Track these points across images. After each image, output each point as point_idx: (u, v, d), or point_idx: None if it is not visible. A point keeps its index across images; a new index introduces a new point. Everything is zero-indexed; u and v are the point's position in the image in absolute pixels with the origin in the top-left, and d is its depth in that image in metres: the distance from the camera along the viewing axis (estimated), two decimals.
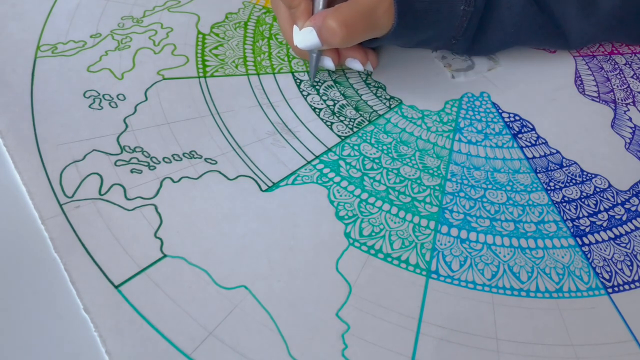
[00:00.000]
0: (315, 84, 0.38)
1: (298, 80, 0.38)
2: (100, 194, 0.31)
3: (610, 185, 0.34)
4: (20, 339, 0.26)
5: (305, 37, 0.33)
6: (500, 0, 0.35)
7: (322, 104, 0.37)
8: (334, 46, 0.34)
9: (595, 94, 0.40)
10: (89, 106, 0.35)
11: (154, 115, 0.35)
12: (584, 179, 0.35)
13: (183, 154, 0.33)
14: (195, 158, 0.33)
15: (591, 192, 0.34)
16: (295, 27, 0.34)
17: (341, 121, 0.36)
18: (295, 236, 0.30)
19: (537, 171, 0.35)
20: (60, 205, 0.30)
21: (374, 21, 0.33)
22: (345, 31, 0.32)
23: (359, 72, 0.39)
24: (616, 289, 0.30)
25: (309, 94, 0.38)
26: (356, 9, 0.32)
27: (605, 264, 0.31)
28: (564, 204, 0.33)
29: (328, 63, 0.37)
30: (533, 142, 0.36)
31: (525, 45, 0.40)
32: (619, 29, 0.40)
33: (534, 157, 0.36)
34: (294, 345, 0.27)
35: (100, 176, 0.32)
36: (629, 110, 0.39)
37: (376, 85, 0.39)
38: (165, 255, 0.29)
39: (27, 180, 0.31)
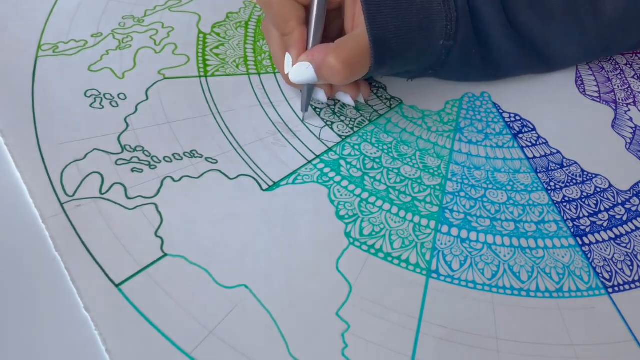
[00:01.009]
0: (304, 118, 0.36)
1: None
2: (101, 193, 0.31)
3: (610, 185, 0.34)
4: (20, 338, 0.26)
5: (300, 71, 0.31)
6: (481, 35, 0.34)
7: (322, 103, 0.37)
8: (332, 83, 0.33)
9: (596, 94, 0.40)
10: (90, 105, 0.35)
11: (154, 114, 0.35)
12: (585, 179, 0.35)
13: (184, 153, 0.33)
14: (196, 157, 0.33)
15: (592, 192, 0.34)
16: (287, 55, 0.33)
17: (342, 121, 0.36)
18: (296, 235, 0.30)
19: (538, 171, 0.35)
20: (61, 204, 0.30)
21: (369, 59, 0.31)
22: (349, 71, 0.30)
23: None
24: (616, 288, 0.30)
25: None
26: (358, 46, 0.31)
27: (606, 263, 0.31)
28: (565, 204, 0.33)
29: (321, 96, 0.35)
30: (534, 142, 0.36)
31: (506, 77, 0.39)
32: (602, 54, 0.40)
33: (534, 157, 0.36)
34: (294, 344, 0.27)
35: (101, 175, 0.32)
36: (629, 110, 0.39)
37: (377, 85, 0.39)
38: (165, 254, 0.29)
39: (28, 179, 0.31)
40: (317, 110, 0.37)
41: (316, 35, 0.33)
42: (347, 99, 0.36)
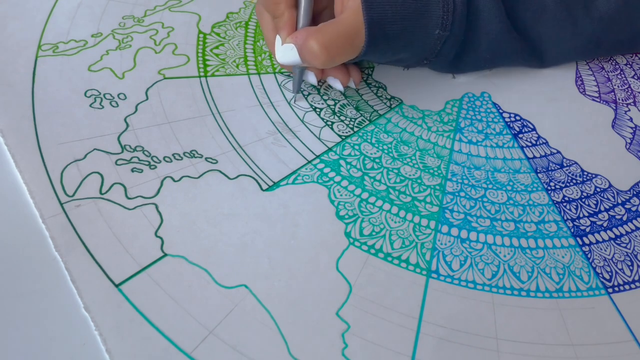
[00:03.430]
0: (295, 100, 0.37)
1: None
2: (101, 193, 0.31)
3: (610, 185, 0.34)
4: (20, 338, 0.26)
5: (286, 53, 0.32)
6: (478, 26, 0.35)
7: (322, 103, 0.37)
8: (314, 67, 0.33)
9: (596, 94, 0.40)
10: (90, 105, 0.35)
11: (154, 114, 0.35)
12: (585, 179, 0.35)
13: (184, 153, 0.33)
14: (195, 157, 0.33)
15: (591, 192, 0.34)
16: (277, 38, 0.33)
17: (342, 121, 0.36)
18: (296, 235, 0.30)
19: (538, 171, 0.35)
20: (61, 204, 0.30)
21: (354, 45, 0.32)
22: (327, 54, 0.31)
23: None
24: (616, 288, 0.30)
25: (309, 93, 0.38)
26: (338, 31, 0.31)
27: (606, 263, 0.31)
28: (565, 204, 0.33)
29: (311, 78, 0.36)
30: (534, 142, 0.36)
31: (498, 67, 0.40)
32: (594, 51, 0.40)
33: (534, 157, 0.36)
34: (294, 344, 0.27)
35: (101, 175, 0.32)
36: (629, 110, 0.39)
37: (377, 85, 0.39)
38: (165, 254, 0.29)
39: (28, 179, 0.31)
40: (305, 93, 0.37)
41: (305, 18, 0.33)
42: (337, 84, 0.37)
